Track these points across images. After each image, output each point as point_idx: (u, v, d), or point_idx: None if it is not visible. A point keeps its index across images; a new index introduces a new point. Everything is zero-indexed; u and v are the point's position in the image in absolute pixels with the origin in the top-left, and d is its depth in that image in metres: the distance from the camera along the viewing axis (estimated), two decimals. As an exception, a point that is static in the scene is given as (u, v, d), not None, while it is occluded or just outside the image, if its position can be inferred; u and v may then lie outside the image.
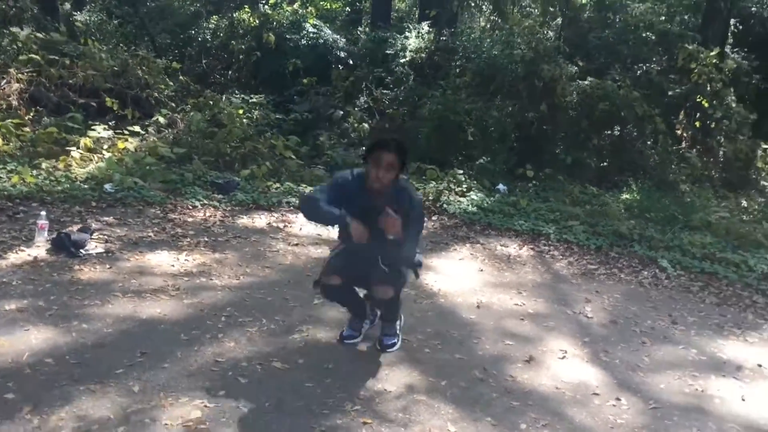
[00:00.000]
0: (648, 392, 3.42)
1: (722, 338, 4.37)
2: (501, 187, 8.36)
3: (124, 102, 8.30)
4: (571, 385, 3.39)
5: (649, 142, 10.03)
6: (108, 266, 4.33)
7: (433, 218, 6.87)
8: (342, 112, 9.95)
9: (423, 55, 11.23)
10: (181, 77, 10.06)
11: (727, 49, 11.43)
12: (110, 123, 7.64)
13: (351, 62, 11.35)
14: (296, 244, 5.45)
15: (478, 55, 10.31)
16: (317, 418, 2.77)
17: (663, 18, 12.60)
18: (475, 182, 8.30)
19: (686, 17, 13.13)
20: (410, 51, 11.27)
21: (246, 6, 12.79)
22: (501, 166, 8.91)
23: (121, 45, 10.61)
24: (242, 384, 3.00)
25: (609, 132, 10.02)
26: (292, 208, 6.52)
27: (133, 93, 8.56)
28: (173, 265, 4.52)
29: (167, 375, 2.99)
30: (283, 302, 4.10)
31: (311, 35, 11.64)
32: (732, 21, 12.21)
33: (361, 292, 3.55)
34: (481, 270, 5.39)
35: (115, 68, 8.69)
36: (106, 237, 4.89)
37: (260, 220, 6.07)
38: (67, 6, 12.72)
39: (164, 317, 3.65)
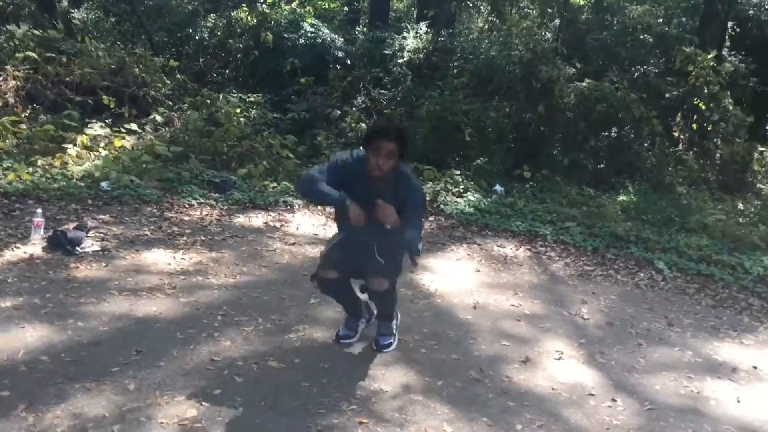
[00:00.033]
0: (644, 393, 3.43)
1: (718, 340, 4.38)
2: (498, 188, 8.35)
3: (121, 100, 8.27)
4: (567, 386, 3.40)
5: (646, 144, 10.03)
6: (104, 264, 4.33)
7: (430, 219, 6.86)
8: (339, 112, 9.91)
9: (421, 55, 11.21)
10: (178, 76, 10.01)
11: (725, 51, 11.44)
12: (107, 121, 7.60)
13: (349, 62, 11.32)
14: (293, 244, 5.45)
15: (475, 55, 10.30)
16: (313, 418, 2.77)
17: (661, 20, 12.62)
18: (472, 183, 8.29)
19: (684, 20, 13.15)
20: (408, 51, 11.25)
21: (244, 5, 12.76)
22: (498, 167, 8.90)
23: (118, 43, 10.56)
24: (238, 383, 3.00)
25: (606, 134, 10.02)
26: (288, 207, 6.52)
27: (130, 91, 8.52)
28: (169, 264, 4.51)
29: (163, 373, 2.99)
30: (279, 301, 4.10)
31: (309, 35, 11.61)
32: (729, 24, 12.22)
33: (357, 284, 3.47)
34: (478, 271, 5.39)
35: (112, 66, 8.65)
36: (102, 235, 4.88)
37: (257, 219, 6.06)
38: (65, 3, 12.65)
39: (160, 316, 3.64)
